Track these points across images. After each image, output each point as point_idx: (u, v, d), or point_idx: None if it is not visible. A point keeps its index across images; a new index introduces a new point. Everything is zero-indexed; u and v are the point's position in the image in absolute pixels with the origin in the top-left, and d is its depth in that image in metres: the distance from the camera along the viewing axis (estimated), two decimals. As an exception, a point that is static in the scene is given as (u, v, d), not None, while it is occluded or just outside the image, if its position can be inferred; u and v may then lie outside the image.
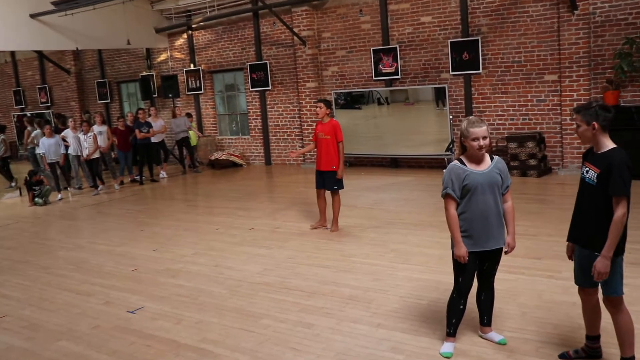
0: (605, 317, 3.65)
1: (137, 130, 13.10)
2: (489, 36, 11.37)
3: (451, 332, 4.00)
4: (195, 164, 14.88)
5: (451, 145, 11.48)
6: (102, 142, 12.56)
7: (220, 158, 14.98)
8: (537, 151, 10.50)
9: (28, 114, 18.41)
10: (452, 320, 3.98)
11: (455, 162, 3.82)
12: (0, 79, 22.27)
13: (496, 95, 11.48)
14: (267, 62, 14.57)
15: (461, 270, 3.87)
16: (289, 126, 14.64)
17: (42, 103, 20.34)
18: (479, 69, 11.48)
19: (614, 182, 3.25)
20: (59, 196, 11.89)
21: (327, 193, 7.71)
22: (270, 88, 14.68)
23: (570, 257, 3.72)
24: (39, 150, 12.53)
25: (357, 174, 12.38)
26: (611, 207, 3.29)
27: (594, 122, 3.36)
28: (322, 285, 5.56)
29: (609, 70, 10.06)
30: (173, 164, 15.89)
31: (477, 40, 11.38)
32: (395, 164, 13.06)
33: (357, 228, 7.70)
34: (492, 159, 3.83)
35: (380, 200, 9.57)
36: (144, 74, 16.91)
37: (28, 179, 11.58)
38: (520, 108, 11.26)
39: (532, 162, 10.53)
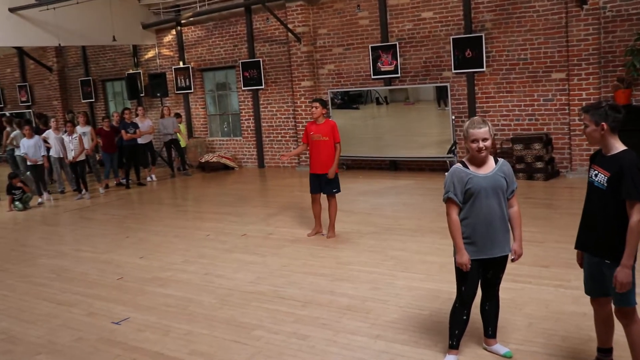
0: (618, 329, 3.64)
1: (123, 131, 13.07)
2: (493, 32, 11.40)
3: (454, 344, 4.00)
4: (185, 167, 14.85)
5: (453, 147, 11.50)
6: (86, 143, 12.52)
7: (211, 160, 14.96)
8: (544, 153, 10.52)
9: (7, 113, 18.34)
10: (455, 332, 3.98)
11: (458, 164, 3.83)
12: (-22, 77, 22.24)
13: (501, 94, 11.50)
14: (260, 59, 14.57)
15: (464, 279, 3.86)
16: (283, 127, 14.63)
17: (22, 102, 20.28)
18: (482, 67, 11.51)
19: (627, 186, 3.24)
20: (40, 200, 11.85)
21: (322, 198, 7.71)
22: (263, 87, 14.67)
23: (581, 265, 3.71)
24: (19, 152, 12.49)
25: (355, 177, 12.38)
26: (622, 212, 3.29)
27: (603, 123, 3.36)
28: (318, 295, 5.55)
29: (620, 68, 10.10)
30: (161, 166, 15.86)
31: (481, 36, 11.41)
32: (394, 166, 13.06)
33: (354, 234, 7.69)
34: (496, 161, 3.83)
35: (379, 204, 9.56)
36: (131, 72, 16.88)
37: (8, 182, 11.53)
38: (526, 108, 11.28)
39: (539, 164, 10.54)
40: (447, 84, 11.81)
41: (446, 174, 3.92)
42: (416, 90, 12.46)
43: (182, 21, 15.81)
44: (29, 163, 11.90)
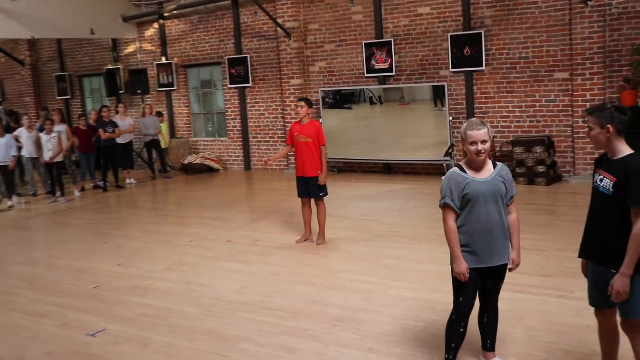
0: (624, 343, 3.65)
1: (100, 130, 13.00)
2: (493, 29, 11.46)
3: (450, 357, 3.99)
4: (166, 169, 14.80)
5: (450, 150, 11.53)
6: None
7: (194, 162, 14.92)
8: (545, 157, 10.58)
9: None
10: (452, 345, 3.97)
11: (455, 168, 3.83)
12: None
13: (501, 94, 11.55)
14: (248, 56, 14.56)
15: (461, 289, 3.86)
16: (271, 127, 14.63)
17: (-9, 98, 20.18)
18: (481, 66, 11.56)
19: (633, 191, 3.25)
20: (9, 203, 11.75)
21: (313, 202, 7.72)
22: (250, 85, 14.66)
23: (585, 275, 3.72)
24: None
25: (347, 180, 12.39)
26: (629, 219, 3.30)
27: (609, 125, 3.37)
28: (307, 305, 5.54)
29: (626, 68, 10.18)
30: (141, 168, 15.80)
31: (480, 33, 11.46)
32: (388, 170, 13.08)
33: (346, 241, 7.70)
34: (495, 165, 3.84)
35: (372, 210, 9.57)
36: (110, 67, 16.83)
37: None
38: (527, 109, 11.34)
39: (541, 168, 10.60)
40: (445, 83, 11.85)
41: (442, 178, 3.92)
42: (412, 89, 12.49)
43: (165, 14, 15.78)
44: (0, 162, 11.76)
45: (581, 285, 3.97)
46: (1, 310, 5.99)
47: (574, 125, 10.78)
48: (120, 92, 16.63)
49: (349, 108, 13.15)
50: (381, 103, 12.81)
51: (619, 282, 3.31)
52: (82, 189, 13.04)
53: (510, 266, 3.88)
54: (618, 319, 3.55)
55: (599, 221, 3.48)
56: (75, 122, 14.94)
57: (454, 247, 3.78)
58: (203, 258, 7.38)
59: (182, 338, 4.99)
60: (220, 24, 15.03)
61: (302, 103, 7.46)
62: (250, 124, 14.94)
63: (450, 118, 11.72)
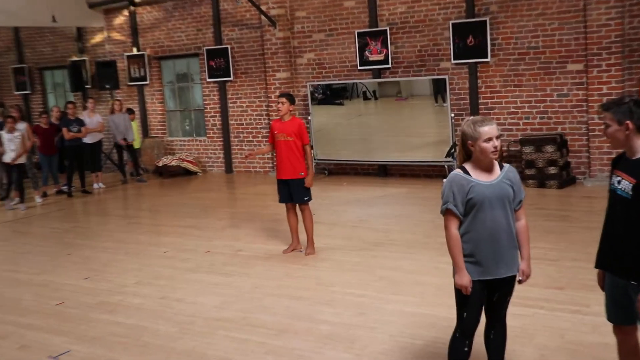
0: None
1: (64, 129, 12.93)
2: (500, 16, 11.51)
3: (454, 379, 3.99)
4: (139, 172, 14.77)
5: (453, 150, 11.57)
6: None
7: (170, 164, 14.90)
8: (558, 157, 10.63)
9: None
10: (455, 365, 3.97)
11: (458, 170, 3.83)
12: None
13: (508, 88, 11.60)
14: (229, 46, 14.57)
15: (465, 304, 3.86)
16: (255, 125, 14.62)
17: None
18: (487, 57, 11.61)
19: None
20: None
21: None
22: (231, 79, 14.66)
23: (602, 287, 3.73)
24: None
25: (338, 184, 12.41)
26: (650, 224, 3.31)
27: (628, 122, 3.38)
28: (295, 322, 5.53)
29: (645, 59, 10.26)
30: (111, 171, 15.74)
31: (485, 21, 11.51)
32: (384, 172, 13.11)
33: (337, 251, 7.70)
34: (501, 167, 3.84)
35: (366, 216, 9.58)
36: (75, 59, 16.77)
37: None
38: (538, 104, 11.39)
39: (552, 170, 10.65)
40: (446, 77, 11.89)
41: (444, 181, 3.92)
42: (410, 83, 12.53)
43: (136, 0, 15.74)
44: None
45: (598, 299, 3.98)
46: (-47, 331, 5.95)
47: (589, 122, 10.84)
48: (87, 86, 16.56)
49: (341, 104, 13.17)
50: (376, 99, 12.83)
51: None
52: (44, 195, 12.96)
53: (519, 278, 3.88)
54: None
55: (616, 227, 3.49)
56: (36, 120, 14.85)
57: (456, 257, 3.78)
58: (180, 270, 7.36)
59: (156, 359, 4.97)
60: (198, 12, 15.01)
61: (284, 99, 7.49)
62: (232, 122, 14.93)
63: (452, 115, 11.76)
